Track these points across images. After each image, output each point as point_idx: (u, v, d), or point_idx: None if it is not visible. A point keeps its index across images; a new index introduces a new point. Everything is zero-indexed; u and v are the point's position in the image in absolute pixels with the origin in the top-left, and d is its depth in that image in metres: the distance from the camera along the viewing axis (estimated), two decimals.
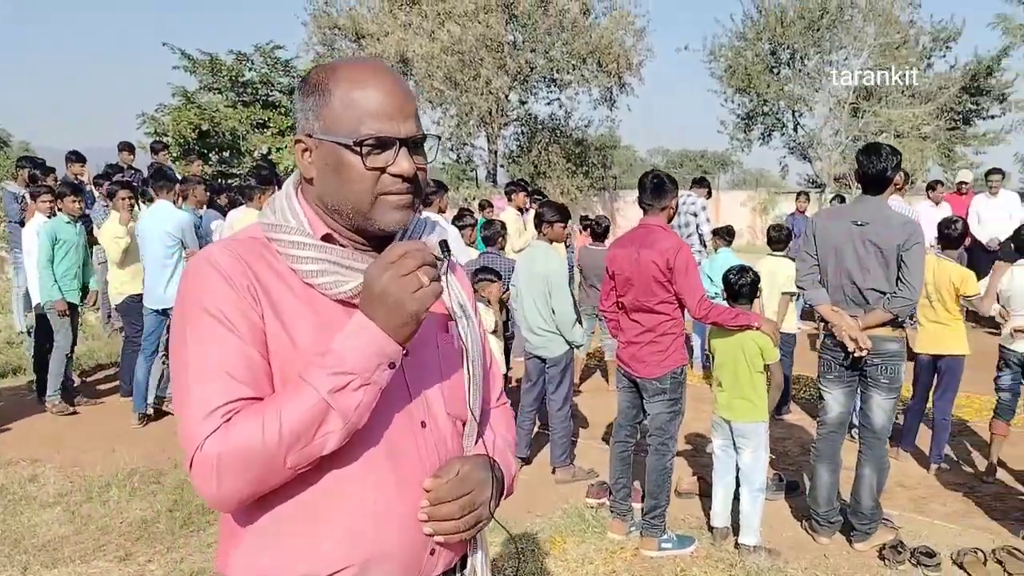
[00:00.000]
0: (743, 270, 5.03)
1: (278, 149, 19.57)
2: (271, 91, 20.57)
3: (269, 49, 20.25)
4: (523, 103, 26.11)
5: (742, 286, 4.94)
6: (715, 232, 8.84)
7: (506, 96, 24.64)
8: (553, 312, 5.75)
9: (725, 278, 5.05)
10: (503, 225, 7.07)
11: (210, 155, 18.82)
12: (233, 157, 19.20)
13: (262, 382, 1.47)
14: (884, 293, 4.67)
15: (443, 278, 1.54)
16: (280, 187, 6.03)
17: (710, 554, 4.84)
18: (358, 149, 1.49)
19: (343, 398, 1.41)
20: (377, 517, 1.53)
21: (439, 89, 23.68)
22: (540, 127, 26.10)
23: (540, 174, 25.03)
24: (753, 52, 27.67)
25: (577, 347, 6.02)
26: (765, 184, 35.89)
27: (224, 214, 8.77)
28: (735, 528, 4.96)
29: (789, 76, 27.58)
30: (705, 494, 5.58)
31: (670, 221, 4.95)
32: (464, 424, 1.71)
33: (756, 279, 5.00)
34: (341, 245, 1.58)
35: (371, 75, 1.54)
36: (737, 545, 4.85)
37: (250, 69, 20.15)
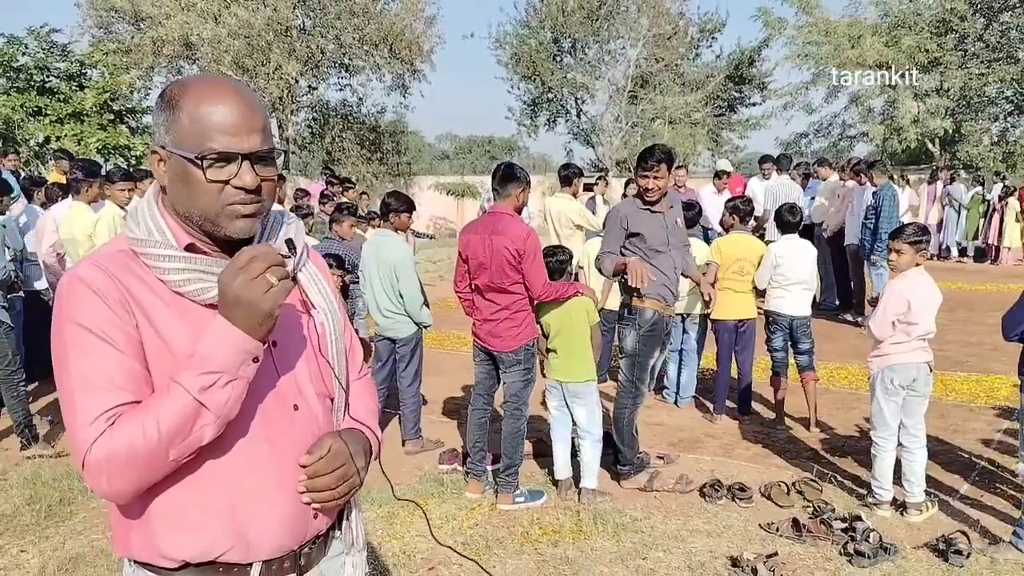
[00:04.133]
0: (555, 250, 5.63)
1: (57, 137, 18.48)
2: (48, 76, 19.35)
3: (45, 33, 19.08)
4: (313, 89, 25.91)
5: (558, 263, 5.52)
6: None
7: (296, 81, 24.38)
8: (401, 296, 6.09)
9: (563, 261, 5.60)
10: (351, 211, 7.27)
11: None
12: (8, 146, 17.98)
13: (142, 387, 1.59)
14: None
15: (294, 272, 1.67)
16: (107, 179, 6.05)
17: (557, 504, 5.39)
18: (199, 163, 1.60)
19: (212, 395, 1.54)
20: (260, 495, 1.69)
21: (227, 74, 23.08)
22: (332, 113, 26.01)
23: (334, 161, 24.98)
24: (537, 40, 28.76)
25: (426, 327, 6.39)
26: (550, 169, 37.26)
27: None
28: (575, 480, 5.54)
29: (571, 64, 28.88)
30: (540, 454, 6.13)
31: (520, 209, 5.41)
32: (332, 400, 1.88)
33: (568, 257, 5.63)
34: (205, 253, 1.69)
35: (218, 92, 1.64)
36: (579, 491, 5.42)
37: (24, 53, 18.89)
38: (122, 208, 6.97)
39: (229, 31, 22.30)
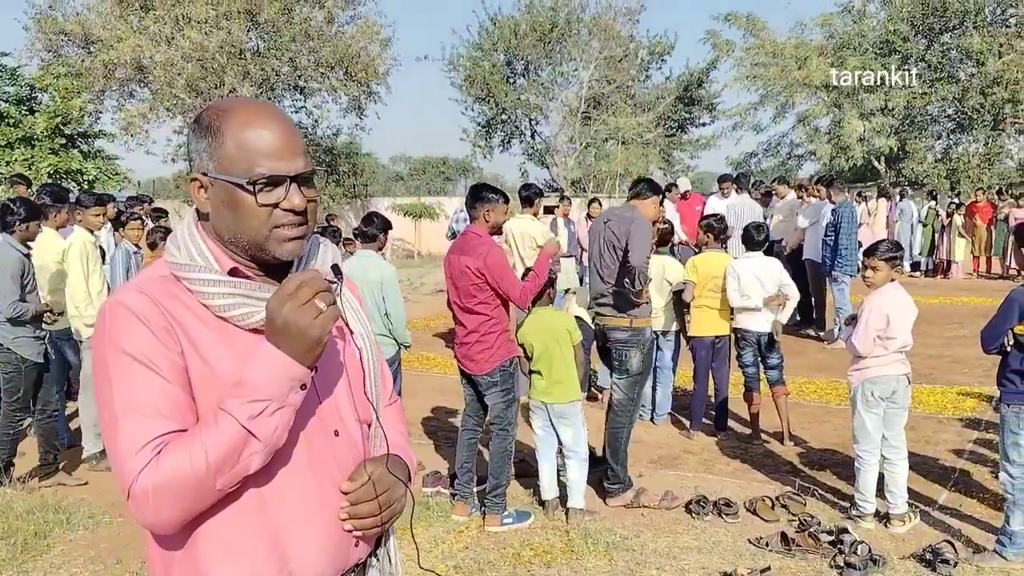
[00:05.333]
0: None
1: (7, 163, 18.13)
2: None
3: None
4: None
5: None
6: None
7: None
8: (387, 316, 6.06)
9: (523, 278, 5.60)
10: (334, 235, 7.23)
11: None
12: None
13: (187, 415, 1.57)
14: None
15: (338, 299, 1.63)
16: (78, 203, 5.81)
17: (545, 524, 5.39)
18: (251, 188, 1.60)
19: (261, 423, 1.52)
20: (303, 522, 1.67)
21: (180, 97, 22.86)
22: None
23: None
24: (490, 62, 28.90)
25: (406, 347, 6.36)
26: (505, 190, 37.50)
27: None
28: (561, 500, 5.55)
29: (525, 86, 29.06)
30: (523, 475, 6.13)
31: (495, 229, 5.43)
32: (369, 426, 1.85)
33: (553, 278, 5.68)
34: (247, 277, 1.67)
35: (261, 116, 1.64)
36: (567, 511, 5.43)
37: None
38: (91, 233, 6.85)
39: (182, 54, 22.08)
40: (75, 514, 5.59)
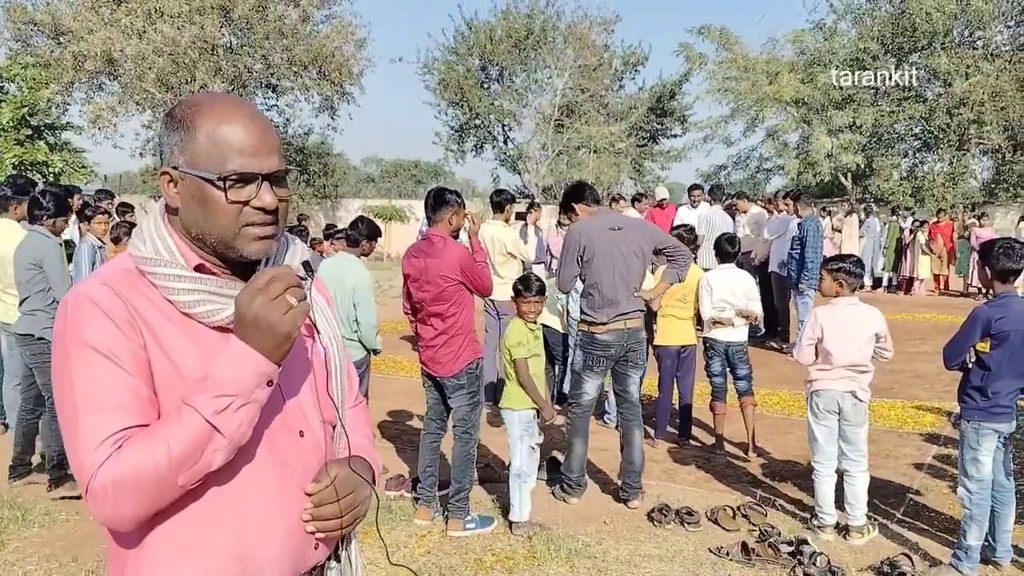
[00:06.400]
0: (526, 278, 5.70)
1: None
2: None
3: None
4: None
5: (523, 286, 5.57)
6: None
7: None
8: (357, 321, 6.03)
9: (515, 286, 5.61)
10: (302, 235, 7.20)
11: None
12: None
13: (148, 410, 1.54)
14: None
15: (308, 295, 1.62)
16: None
17: (508, 530, 5.38)
18: (221, 184, 1.58)
19: (226, 418, 1.50)
20: (266, 523, 1.64)
21: (150, 92, 22.65)
22: None
23: None
24: (465, 67, 28.98)
25: (375, 353, 6.34)
26: (474, 195, 37.45)
27: None
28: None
29: (499, 92, 29.14)
30: (485, 480, 6.12)
31: (456, 233, 5.45)
32: (334, 427, 1.82)
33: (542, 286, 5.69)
34: (213, 274, 1.65)
35: (236, 113, 1.62)
36: (510, 524, 5.36)
37: None
38: None
39: (154, 48, 21.90)
40: (31, 511, 5.51)
